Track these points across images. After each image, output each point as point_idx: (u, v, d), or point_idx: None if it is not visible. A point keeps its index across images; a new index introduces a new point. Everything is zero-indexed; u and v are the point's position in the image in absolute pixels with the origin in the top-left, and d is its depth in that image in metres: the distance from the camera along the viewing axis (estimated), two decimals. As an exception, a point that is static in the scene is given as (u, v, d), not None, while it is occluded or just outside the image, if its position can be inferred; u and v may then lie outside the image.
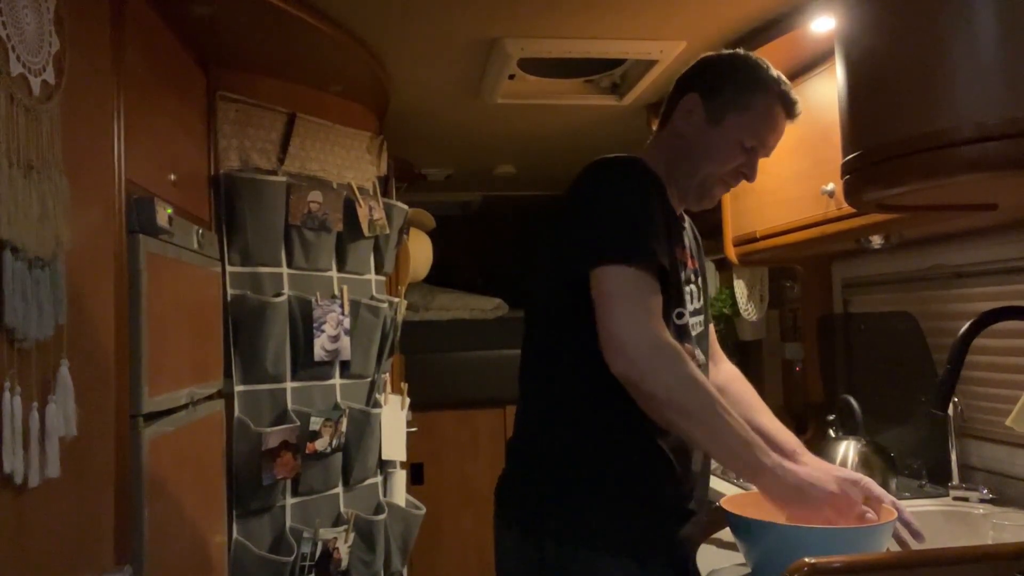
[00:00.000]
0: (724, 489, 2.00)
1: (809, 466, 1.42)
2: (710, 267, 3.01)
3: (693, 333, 1.41)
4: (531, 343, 1.43)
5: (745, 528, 1.25)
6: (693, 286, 1.44)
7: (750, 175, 1.42)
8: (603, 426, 1.32)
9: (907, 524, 1.32)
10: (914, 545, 1.31)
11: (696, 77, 1.45)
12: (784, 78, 1.43)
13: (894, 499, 1.36)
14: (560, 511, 1.30)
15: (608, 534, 1.28)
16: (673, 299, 1.33)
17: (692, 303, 1.42)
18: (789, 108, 1.42)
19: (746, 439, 1.21)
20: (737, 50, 1.47)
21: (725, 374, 1.61)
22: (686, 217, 1.53)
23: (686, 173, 1.41)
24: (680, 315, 1.36)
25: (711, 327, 1.60)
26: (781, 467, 1.21)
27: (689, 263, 1.46)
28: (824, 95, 1.92)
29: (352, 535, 2.31)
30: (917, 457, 2.06)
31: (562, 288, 1.33)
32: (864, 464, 1.97)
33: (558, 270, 1.35)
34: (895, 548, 1.31)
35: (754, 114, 1.39)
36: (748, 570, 1.30)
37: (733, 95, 1.40)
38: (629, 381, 1.19)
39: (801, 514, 1.23)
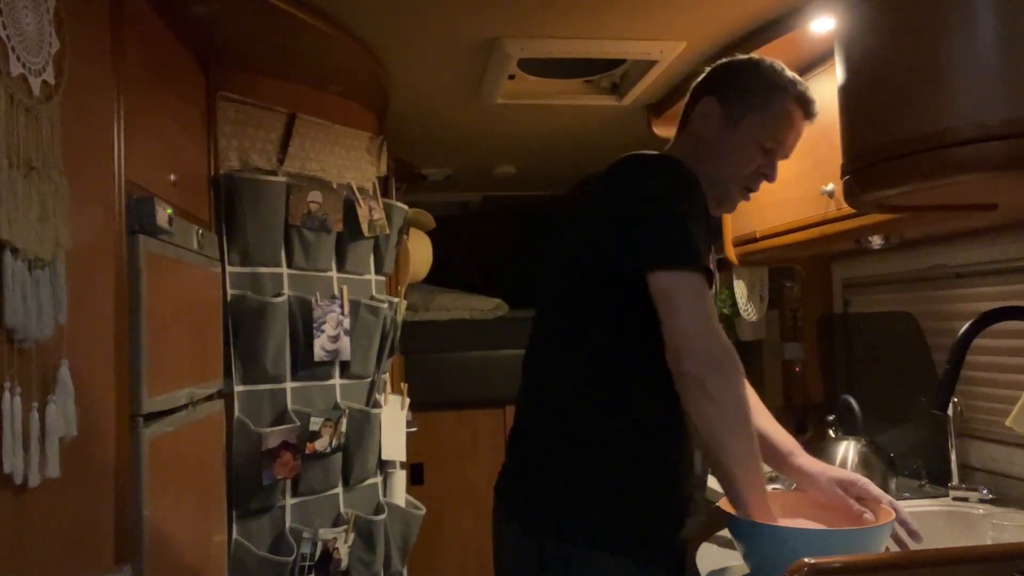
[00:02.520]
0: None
1: (808, 468, 1.44)
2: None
3: None
4: (544, 335, 1.42)
5: (743, 529, 1.25)
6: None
7: (770, 175, 1.42)
8: (617, 425, 1.32)
9: (904, 524, 1.32)
10: (912, 545, 1.31)
11: (714, 81, 1.46)
12: (800, 80, 1.43)
13: (892, 499, 1.36)
14: (561, 507, 1.30)
15: (608, 532, 1.28)
16: None
17: None
18: (807, 108, 1.42)
19: (763, 482, 1.25)
20: (754, 55, 1.48)
21: None
22: None
23: (705, 176, 1.38)
24: None
25: None
26: (769, 515, 1.24)
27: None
28: (824, 95, 1.91)
29: (352, 535, 2.31)
30: (917, 457, 2.06)
31: (596, 282, 1.33)
32: (864, 464, 1.97)
33: (598, 264, 1.33)
34: (893, 549, 1.32)
35: (772, 114, 1.39)
36: (747, 570, 1.30)
37: (751, 97, 1.41)
38: (697, 380, 1.20)
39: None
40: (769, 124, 1.39)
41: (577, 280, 1.37)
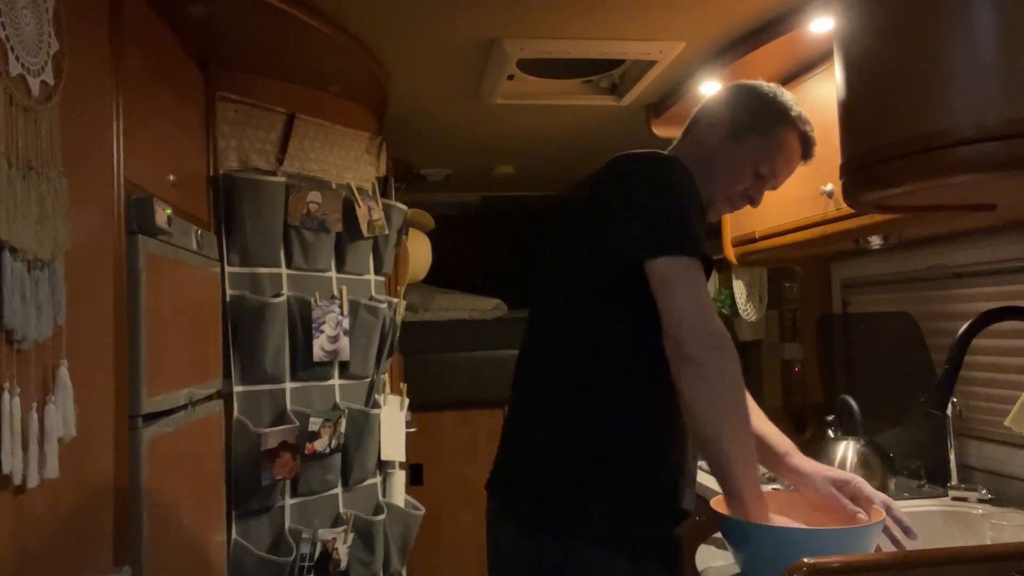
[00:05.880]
0: (717, 489, 2.00)
1: (803, 469, 1.44)
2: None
3: None
4: (539, 334, 1.43)
5: (734, 529, 1.25)
6: None
7: (755, 199, 1.50)
8: (611, 420, 1.32)
9: (898, 521, 1.32)
10: (907, 543, 1.31)
11: (730, 97, 1.52)
12: (808, 119, 1.49)
13: (886, 497, 1.36)
14: (557, 504, 1.31)
15: (605, 528, 1.28)
16: None
17: None
18: (807, 148, 1.49)
19: (756, 469, 1.26)
20: (773, 84, 1.53)
21: None
22: None
23: (697, 180, 1.42)
24: None
25: None
26: (761, 500, 1.24)
27: None
28: (823, 95, 1.92)
29: (351, 536, 2.31)
30: (916, 457, 2.07)
31: (592, 279, 1.35)
32: (863, 464, 1.97)
33: (596, 261, 1.35)
34: (888, 548, 1.32)
35: (773, 142, 1.46)
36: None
37: (759, 119, 1.47)
38: (694, 361, 1.21)
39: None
40: (768, 151, 1.46)
41: (573, 279, 1.38)
